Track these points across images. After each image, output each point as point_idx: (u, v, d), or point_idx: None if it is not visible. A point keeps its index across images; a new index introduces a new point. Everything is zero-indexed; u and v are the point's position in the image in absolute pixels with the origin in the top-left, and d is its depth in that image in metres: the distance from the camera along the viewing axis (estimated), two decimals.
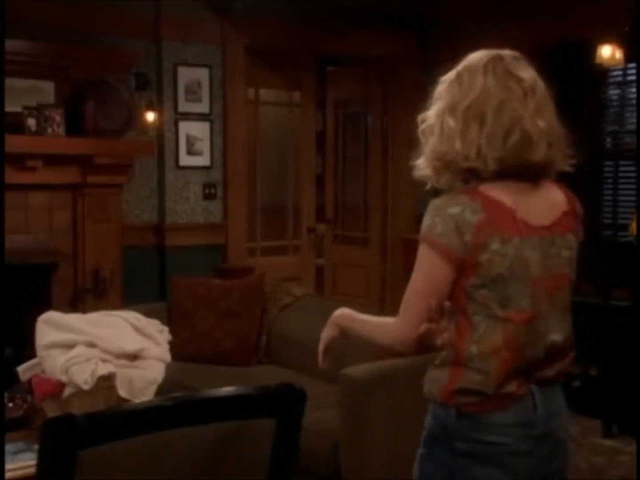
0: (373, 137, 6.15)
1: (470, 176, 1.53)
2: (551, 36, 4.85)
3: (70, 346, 2.51)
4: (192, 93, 5.05)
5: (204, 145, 5.10)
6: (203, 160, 5.12)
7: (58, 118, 4.31)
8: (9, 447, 2.31)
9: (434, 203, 1.54)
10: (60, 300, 4.38)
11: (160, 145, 5.00)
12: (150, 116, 4.85)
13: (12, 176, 4.20)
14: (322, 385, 3.26)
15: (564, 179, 1.65)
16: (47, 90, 4.43)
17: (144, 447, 1.43)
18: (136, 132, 4.78)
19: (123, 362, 2.54)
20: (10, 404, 2.65)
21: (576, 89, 4.82)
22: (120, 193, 4.68)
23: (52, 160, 4.28)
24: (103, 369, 2.45)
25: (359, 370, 2.78)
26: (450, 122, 1.52)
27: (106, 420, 1.39)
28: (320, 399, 2.86)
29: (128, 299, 4.46)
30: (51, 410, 2.46)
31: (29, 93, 4.35)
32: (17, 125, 4.22)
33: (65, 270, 4.48)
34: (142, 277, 4.88)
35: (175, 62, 4.99)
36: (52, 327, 2.57)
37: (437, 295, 1.53)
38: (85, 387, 2.41)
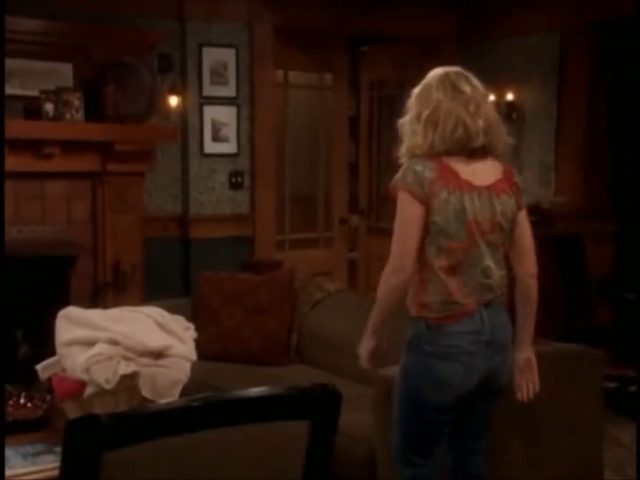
0: None
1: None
2: (597, 14, 4.81)
3: (91, 343, 2.54)
4: (218, 75, 5.06)
5: (230, 131, 5.12)
6: (229, 147, 5.13)
7: (77, 102, 4.35)
8: (28, 449, 2.35)
9: (406, 164, 2.30)
10: (79, 295, 4.42)
11: (184, 131, 5.02)
12: (173, 100, 4.88)
13: (29, 164, 4.26)
14: (357, 387, 3.25)
15: None
16: (65, 73, 4.47)
17: (170, 450, 1.44)
18: (159, 117, 4.81)
19: (146, 360, 2.56)
20: (29, 404, 2.69)
21: (630, 66, 4.78)
22: (142, 182, 4.72)
23: (71, 147, 4.32)
24: (126, 368, 2.48)
25: (395, 371, 2.77)
26: (416, 126, 2.31)
27: (132, 421, 1.41)
28: (354, 401, 2.86)
29: (150, 294, 4.49)
30: (71, 411, 2.50)
31: (47, 76, 4.40)
32: (34, 110, 4.27)
33: (85, 263, 4.52)
34: (165, 271, 4.91)
35: (200, 42, 5.00)
36: (72, 323, 2.60)
37: (416, 227, 2.24)
38: (107, 386, 2.44)
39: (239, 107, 5.13)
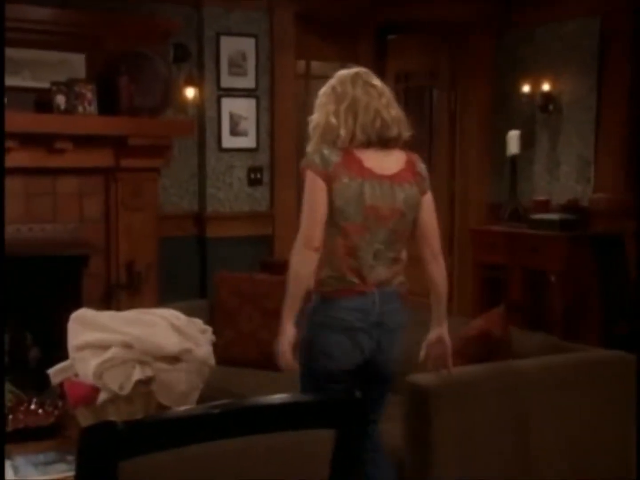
0: (439, 114, 6.10)
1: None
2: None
3: (104, 347, 2.55)
4: (237, 66, 5.07)
5: (250, 125, 5.13)
6: (248, 142, 5.15)
7: (89, 95, 4.38)
8: (39, 458, 2.37)
9: (315, 148, 2.60)
10: (91, 297, 4.45)
11: (201, 124, 5.04)
12: (190, 92, 4.90)
13: (40, 159, 4.30)
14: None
15: None
16: (77, 63, 4.50)
17: (189, 459, 1.45)
18: (175, 110, 4.83)
19: (162, 365, 2.57)
20: (40, 411, 2.71)
21: None
22: (157, 178, 4.74)
23: (83, 141, 4.36)
24: (140, 373, 2.49)
25: (427, 377, 2.76)
26: (334, 120, 2.59)
27: (149, 429, 1.41)
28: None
29: (165, 296, 4.52)
30: (84, 418, 2.51)
31: (58, 67, 4.44)
32: (44, 103, 4.31)
33: (97, 263, 4.55)
34: (181, 272, 4.94)
35: (218, 31, 5.02)
36: (84, 326, 2.61)
37: (322, 203, 2.51)
38: (121, 392, 2.45)
39: (258, 99, 5.14)
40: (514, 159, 5.44)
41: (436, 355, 2.71)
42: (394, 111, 2.63)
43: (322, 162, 2.55)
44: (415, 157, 2.71)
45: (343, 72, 2.68)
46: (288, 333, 2.53)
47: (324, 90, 2.67)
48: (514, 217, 5.40)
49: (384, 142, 2.60)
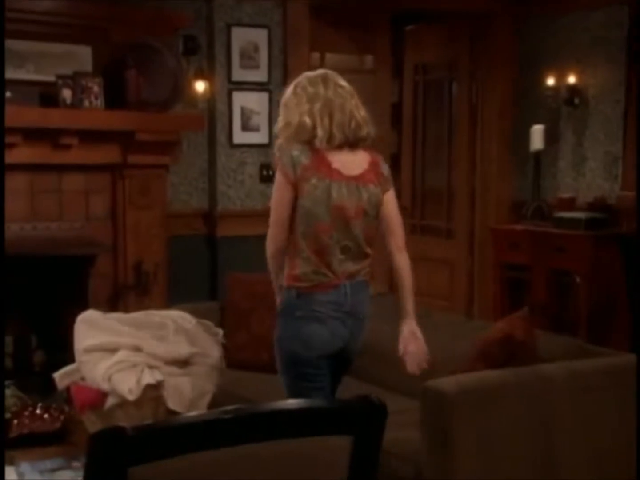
0: (459, 109, 6.09)
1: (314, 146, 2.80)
2: None
3: (113, 350, 2.57)
4: (248, 59, 5.08)
5: (262, 120, 5.13)
6: (260, 137, 5.15)
7: (96, 88, 4.40)
8: (45, 464, 2.39)
9: (284, 146, 2.78)
10: (97, 298, 4.47)
11: (211, 119, 5.05)
12: (200, 86, 4.91)
13: (45, 155, 4.32)
14: (402, 400, 3.24)
15: None
16: (83, 56, 4.52)
17: (200, 466, 1.46)
18: (184, 104, 4.84)
19: (172, 369, 2.59)
20: (46, 415, 2.73)
21: None
22: (165, 175, 4.76)
23: (89, 136, 4.38)
24: (150, 377, 2.50)
25: (447, 383, 2.77)
26: (307, 120, 2.75)
27: (160, 435, 1.42)
28: (400, 416, 2.83)
29: (174, 297, 4.53)
30: (91, 423, 2.53)
31: (64, 59, 4.46)
32: (50, 97, 4.32)
33: (104, 263, 4.57)
34: (191, 272, 4.95)
35: (229, 22, 5.03)
36: (92, 328, 2.63)
37: (286, 205, 2.74)
38: (130, 397, 2.47)
39: (271, 93, 5.15)
40: (537, 154, 5.42)
41: (412, 352, 2.88)
42: (363, 112, 2.84)
43: (291, 164, 2.74)
44: (379, 158, 2.91)
45: (311, 73, 2.87)
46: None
47: (291, 90, 2.83)
48: (537, 215, 5.38)
49: (356, 142, 2.80)
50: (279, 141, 2.86)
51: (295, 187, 2.73)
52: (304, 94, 2.79)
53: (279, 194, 2.76)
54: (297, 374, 2.81)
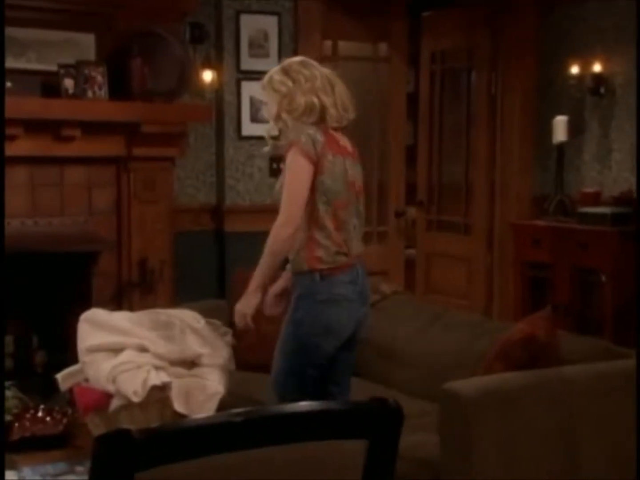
0: (478, 98, 6.07)
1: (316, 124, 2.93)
2: None
3: (117, 350, 2.58)
4: (258, 47, 5.09)
5: None
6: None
7: (99, 78, 4.41)
8: (47, 469, 2.40)
9: (296, 126, 2.88)
10: (101, 296, 4.49)
11: (219, 110, 5.06)
12: (207, 75, 4.92)
13: (46, 147, 4.34)
14: (418, 402, 3.25)
15: None
16: (86, 44, 4.54)
17: (209, 471, 1.46)
18: (191, 94, 4.85)
19: (179, 370, 2.60)
20: (48, 418, 2.74)
21: None
22: (171, 168, 4.77)
23: (93, 128, 4.39)
24: (156, 378, 2.51)
25: (466, 385, 2.77)
26: (315, 100, 2.89)
27: (167, 438, 1.42)
28: (416, 420, 2.85)
29: (181, 295, 4.55)
30: (95, 426, 2.54)
31: (66, 48, 4.47)
32: (51, 87, 4.34)
33: (108, 260, 4.59)
34: (198, 269, 4.96)
35: (238, 9, 5.03)
36: (96, 328, 2.65)
37: (308, 184, 2.81)
38: (136, 399, 2.48)
39: None
40: (560, 147, 5.40)
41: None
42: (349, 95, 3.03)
43: (311, 142, 2.83)
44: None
45: (294, 60, 3.02)
46: (255, 298, 2.90)
47: (283, 74, 2.94)
48: (560, 210, 5.37)
49: (343, 124, 2.98)
50: (278, 125, 2.97)
51: (316, 165, 2.81)
52: (300, 76, 2.92)
53: (300, 174, 2.81)
54: (308, 361, 2.88)
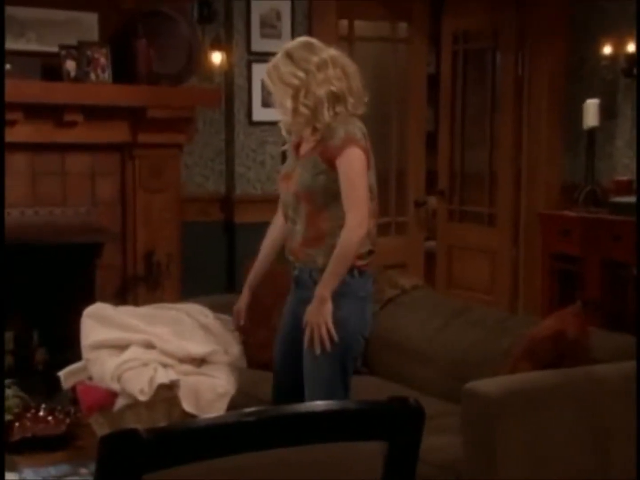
0: (503, 81, 6.05)
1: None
2: None
3: (122, 347, 2.60)
4: (270, 27, 5.09)
5: None
6: None
7: (103, 60, 4.42)
8: (49, 471, 2.42)
9: (346, 120, 2.88)
10: (105, 290, 4.51)
11: (229, 94, 5.07)
12: (216, 57, 4.92)
13: (47, 134, 4.35)
14: (439, 403, 3.25)
15: None
16: (89, 24, 4.55)
17: (219, 473, 1.47)
18: (199, 77, 4.86)
19: (188, 367, 2.61)
20: (50, 418, 2.76)
21: None
22: (179, 155, 4.78)
23: (96, 113, 4.41)
24: (163, 376, 2.53)
25: (490, 384, 2.77)
26: (334, 88, 2.87)
27: (177, 438, 1.43)
28: (437, 421, 2.85)
29: (189, 290, 4.56)
30: (99, 426, 2.56)
31: (67, 28, 4.48)
32: (52, 70, 4.36)
33: (112, 252, 4.61)
34: (206, 262, 4.97)
35: None
36: (100, 323, 2.66)
37: (367, 181, 2.87)
38: (142, 398, 2.49)
39: None
40: (591, 132, 5.38)
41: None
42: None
43: (363, 136, 2.87)
44: None
45: (296, 44, 2.96)
46: (330, 306, 2.84)
47: (290, 69, 2.87)
48: (591, 200, 5.35)
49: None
50: (298, 119, 2.89)
51: (368, 162, 2.88)
52: (310, 66, 2.88)
53: (363, 171, 2.85)
54: (349, 360, 2.94)
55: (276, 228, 3.20)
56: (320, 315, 2.84)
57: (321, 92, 2.86)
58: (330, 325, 2.84)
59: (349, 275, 2.89)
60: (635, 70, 5.25)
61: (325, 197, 2.88)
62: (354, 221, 2.82)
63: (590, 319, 3.54)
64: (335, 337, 2.84)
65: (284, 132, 3.09)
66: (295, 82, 2.86)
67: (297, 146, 3.07)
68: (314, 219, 2.91)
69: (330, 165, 2.86)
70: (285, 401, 2.92)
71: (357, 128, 2.87)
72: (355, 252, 2.86)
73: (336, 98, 2.88)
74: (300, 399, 2.90)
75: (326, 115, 2.87)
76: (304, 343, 2.88)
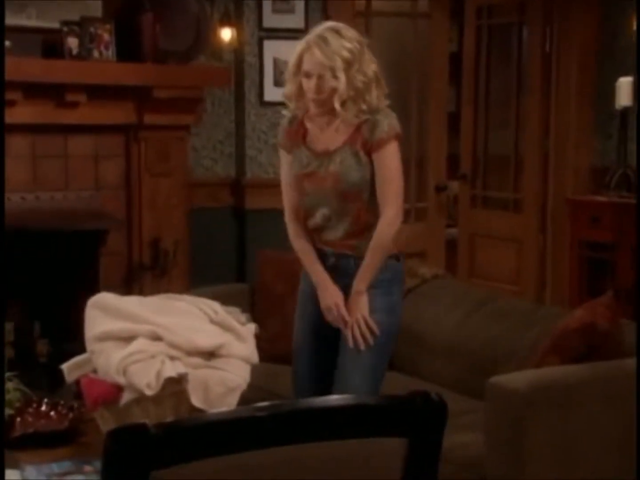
0: (530, 58, 6.03)
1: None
2: None
3: (128, 338, 2.60)
4: (282, 1, 5.08)
5: None
6: None
7: (106, 37, 4.43)
8: (52, 468, 2.43)
9: (386, 112, 2.95)
10: (109, 279, 4.53)
11: (239, 73, 5.07)
12: (226, 34, 4.92)
13: (48, 114, 4.37)
14: (461, 399, 3.26)
15: None
16: None
17: (230, 470, 1.47)
18: (208, 55, 4.86)
19: (197, 360, 2.61)
20: (53, 413, 2.77)
21: None
22: (187, 137, 4.79)
23: (99, 93, 4.42)
24: (171, 369, 2.53)
25: (516, 379, 2.77)
26: (377, 70, 2.95)
27: (186, 434, 1.44)
28: (459, 418, 2.86)
29: (197, 279, 4.57)
30: (105, 422, 2.57)
31: (69, 3, 4.49)
32: (54, 47, 4.37)
33: (116, 239, 4.63)
34: (216, 250, 4.99)
35: None
36: (105, 314, 2.66)
37: None
38: (149, 392, 2.49)
39: None
40: (624, 112, 5.36)
41: None
42: None
43: (399, 126, 2.96)
44: None
45: (333, 23, 3.00)
46: (367, 299, 2.97)
47: (342, 41, 2.86)
48: (623, 184, 5.33)
49: None
50: (371, 105, 2.90)
51: None
52: (357, 43, 2.90)
53: (400, 164, 2.97)
54: (393, 343, 3.10)
55: (305, 244, 3.20)
56: (358, 311, 2.97)
57: (370, 70, 2.91)
58: (369, 319, 2.96)
59: (395, 262, 3.03)
60: None
61: (370, 191, 2.96)
62: (391, 214, 2.94)
63: (622, 310, 3.54)
64: (376, 330, 2.95)
65: (285, 113, 3.17)
66: (348, 55, 2.85)
67: (301, 135, 3.08)
68: (361, 213, 2.97)
69: (370, 157, 2.92)
70: (307, 387, 3.10)
71: (393, 117, 2.94)
72: (389, 244, 2.96)
73: (378, 81, 2.93)
74: (323, 385, 3.01)
75: (374, 95, 2.91)
76: (348, 341, 2.97)
